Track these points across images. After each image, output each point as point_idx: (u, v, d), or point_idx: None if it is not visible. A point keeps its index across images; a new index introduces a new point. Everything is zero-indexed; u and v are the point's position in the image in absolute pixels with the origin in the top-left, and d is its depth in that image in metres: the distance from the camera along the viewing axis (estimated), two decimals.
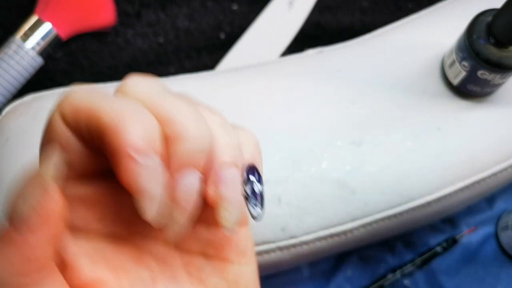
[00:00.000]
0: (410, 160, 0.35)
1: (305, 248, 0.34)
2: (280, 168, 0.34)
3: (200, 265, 0.21)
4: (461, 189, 0.36)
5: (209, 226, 0.21)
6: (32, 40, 0.42)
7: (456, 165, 0.35)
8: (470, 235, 0.44)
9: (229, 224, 0.19)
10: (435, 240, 0.44)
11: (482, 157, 0.36)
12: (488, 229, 0.44)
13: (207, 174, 0.19)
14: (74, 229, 0.19)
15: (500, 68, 0.33)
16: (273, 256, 0.34)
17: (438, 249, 0.43)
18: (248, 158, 0.20)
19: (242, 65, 0.40)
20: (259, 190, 0.20)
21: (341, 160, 0.35)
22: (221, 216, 0.19)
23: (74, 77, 0.44)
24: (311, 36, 0.46)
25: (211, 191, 0.19)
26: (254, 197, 0.20)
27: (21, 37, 0.42)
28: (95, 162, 0.19)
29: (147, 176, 0.16)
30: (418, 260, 0.42)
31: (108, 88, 0.38)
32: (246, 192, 0.20)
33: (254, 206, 0.20)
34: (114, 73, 0.45)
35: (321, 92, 0.37)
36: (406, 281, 0.43)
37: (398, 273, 0.42)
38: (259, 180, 0.20)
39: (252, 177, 0.20)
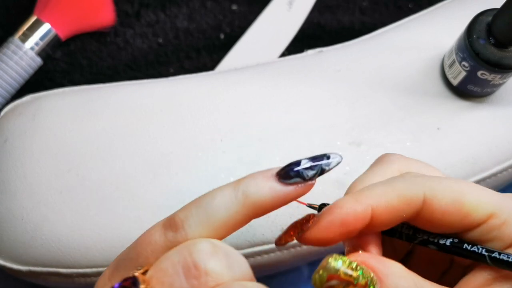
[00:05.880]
0: None
1: (305, 248, 0.34)
2: None
3: None
4: None
5: None
6: (31, 41, 0.42)
7: (456, 165, 0.35)
8: None
9: None
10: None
11: (482, 158, 0.36)
12: None
13: None
14: None
15: (500, 68, 0.33)
16: (273, 256, 0.34)
17: None
18: None
19: (241, 65, 0.40)
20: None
21: None
22: None
23: (74, 78, 0.44)
24: (311, 36, 0.46)
25: None
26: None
27: (20, 37, 0.42)
28: None
29: None
30: None
31: (107, 88, 0.38)
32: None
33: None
34: (114, 73, 0.45)
35: (321, 92, 0.37)
36: None
37: None
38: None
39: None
